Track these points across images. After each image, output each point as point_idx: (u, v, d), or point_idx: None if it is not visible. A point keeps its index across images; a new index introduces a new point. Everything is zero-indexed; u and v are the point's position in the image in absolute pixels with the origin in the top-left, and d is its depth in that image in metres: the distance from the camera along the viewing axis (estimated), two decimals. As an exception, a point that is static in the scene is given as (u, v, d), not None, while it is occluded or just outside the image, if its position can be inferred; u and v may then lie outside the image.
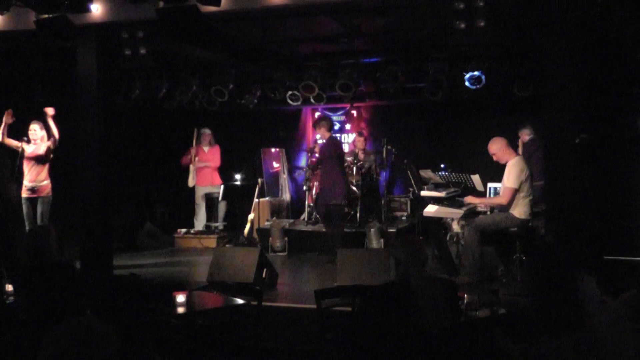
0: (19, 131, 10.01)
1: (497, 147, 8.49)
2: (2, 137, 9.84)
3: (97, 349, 2.46)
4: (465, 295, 5.45)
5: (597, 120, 8.01)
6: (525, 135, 10.77)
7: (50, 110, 10.02)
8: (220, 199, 12.61)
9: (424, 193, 9.48)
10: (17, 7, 8.09)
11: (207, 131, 13.24)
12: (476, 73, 11.39)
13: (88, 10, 7.97)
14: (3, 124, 9.83)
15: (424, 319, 4.23)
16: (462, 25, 7.39)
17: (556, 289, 3.88)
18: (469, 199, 8.69)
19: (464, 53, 11.38)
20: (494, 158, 8.58)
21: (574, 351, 3.21)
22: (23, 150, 9.96)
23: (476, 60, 11.43)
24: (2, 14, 8.21)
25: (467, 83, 11.53)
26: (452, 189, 9.99)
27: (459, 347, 4.42)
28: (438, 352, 4.25)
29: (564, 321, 3.81)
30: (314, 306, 5.84)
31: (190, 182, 13.08)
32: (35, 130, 10.02)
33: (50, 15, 7.81)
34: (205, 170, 13.06)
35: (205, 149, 13.19)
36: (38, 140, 10.04)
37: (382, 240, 10.84)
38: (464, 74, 11.52)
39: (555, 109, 7.46)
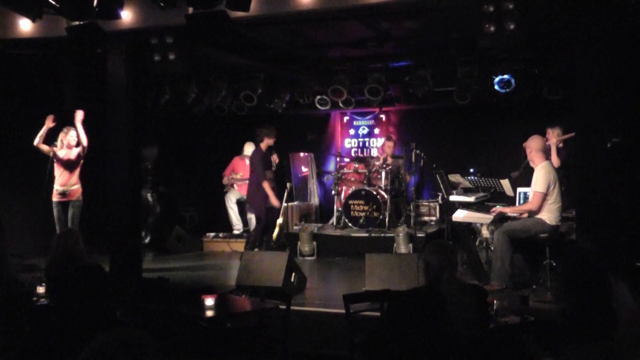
0: (48, 137, 10.13)
1: (534, 145, 8.39)
2: (39, 141, 9.98)
3: None
4: (495, 302, 5.41)
5: (630, 123, 7.89)
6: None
7: (79, 114, 10.13)
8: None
9: (453, 198, 9.43)
10: (49, 14, 8.17)
11: (250, 145, 13.22)
12: (506, 76, 11.32)
13: (118, 17, 8.03)
14: (44, 129, 10.00)
15: (453, 325, 4.20)
16: (492, 29, 7.34)
17: (590, 295, 3.84)
18: (497, 210, 8.59)
19: (494, 56, 11.32)
20: (527, 152, 8.50)
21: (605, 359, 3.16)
22: (54, 154, 10.08)
23: (506, 64, 11.37)
24: (34, 22, 8.30)
25: (496, 86, 11.46)
26: (482, 194, 9.93)
27: (488, 354, 4.38)
28: (467, 358, 4.21)
29: (596, 328, 3.76)
30: (343, 311, 5.84)
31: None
32: (72, 135, 10.16)
33: (81, 23, 7.89)
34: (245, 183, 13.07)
35: (247, 161, 13.18)
36: (73, 145, 10.17)
37: (410, 245, 10.81)
38: (494, 77, 11.46)
39: (586, 113, 7.38)
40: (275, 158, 11.37)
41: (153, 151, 13.41)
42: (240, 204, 13.09)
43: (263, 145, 11.00)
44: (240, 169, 13.21)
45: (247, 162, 12.88)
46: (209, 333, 5.94)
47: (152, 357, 2.49)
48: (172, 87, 12.98)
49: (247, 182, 12.51)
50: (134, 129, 9.19)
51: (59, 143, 10.17)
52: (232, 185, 13.21)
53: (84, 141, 10.14)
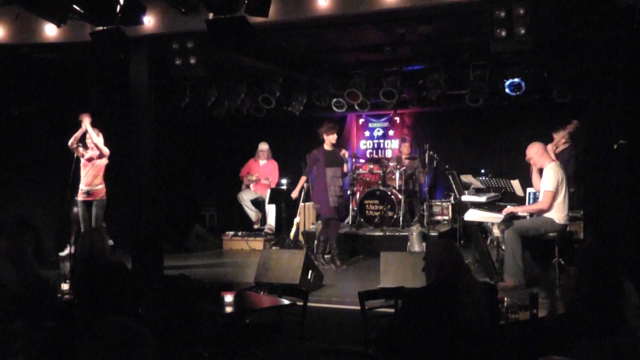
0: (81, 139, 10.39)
1: (534, 152, 8.52)
2: (72, 142, 10.29)
3: (134, 350, 2.53)
4: (505, 299, 5.58)
5: (636, 125, 8.02)
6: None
7: (86, 117, 10.45)
8: (267, 202, 12.83)
9: (464, 198, 9.54)
10: (74, 20, 8.31)
11: (263, 146, 13.47)
12: (516, 80, 11.48)
13: (141, 22, 8.21)
14: (80, 131, 10.33)
15: (464, 321, 4.33)
16: (503, 33, 7.47)
17: (601, 290, 4.00)
18: (508, 210, 8.68)
19: (505, 60, 11.45)
20: (531, 162, 8.62)
21: (613, 356, 3.25)
22: (81, 155, 10.34)
23: (516, 67, 11.52)
24: (59, 27, 8.45)
25: (507, 90, 11.62)
26: (493, 194, 10.03)
27: (498, 350, 4.51)
28: (478, 353, 4.34)
29: (604, 325, 3.92)
30: (358, 307, 5.97)
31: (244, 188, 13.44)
32: (99, 136, 10.44)
33: (105, 28, 8.04)
34: (260, 183, 13.34)
35: (261, 162, 13.44)
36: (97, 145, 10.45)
37: (423, 243, 10.87)
38: (504, 80, 11.62)
39: (594, 115, 7.50)
40: (344, 152, 11.03)
41: None
42: (256, 203, 13.31)
43: (326, 144, 10.75)
44: (255, 171, 13.43)
45: (261, 163, 13.18)
46: (228, 328, 6.09)
47: (151, 346, 2.58)
48: (193, 91, 13.18)
49: (263, 182, 12.86)
50: (156, 130, 9.37)
51: (86, 144, 10.44)
52: (247, 186, 13.42)
53: (94, 139, 10.45)
